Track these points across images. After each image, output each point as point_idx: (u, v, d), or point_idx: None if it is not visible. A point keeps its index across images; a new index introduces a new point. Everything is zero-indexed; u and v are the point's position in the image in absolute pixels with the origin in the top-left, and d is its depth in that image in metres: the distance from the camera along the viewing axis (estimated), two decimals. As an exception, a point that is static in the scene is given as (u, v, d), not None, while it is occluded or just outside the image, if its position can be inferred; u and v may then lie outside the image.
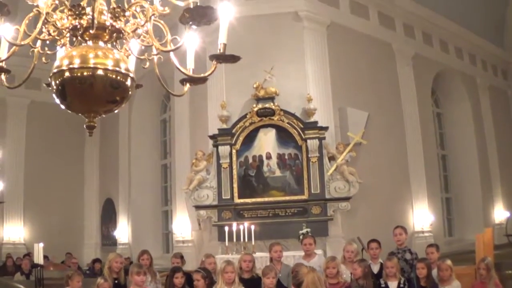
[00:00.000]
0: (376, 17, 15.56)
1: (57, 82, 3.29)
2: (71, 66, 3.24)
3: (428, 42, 17.37)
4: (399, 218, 13.89)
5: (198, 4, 3.13)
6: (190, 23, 3.13)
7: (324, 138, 12.63)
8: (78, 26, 3.46)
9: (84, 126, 3.50)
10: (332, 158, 12.69)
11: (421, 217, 15.12)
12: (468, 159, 18.28)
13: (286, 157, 12.82)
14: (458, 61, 18.63)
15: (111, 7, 3.51)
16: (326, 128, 12.66)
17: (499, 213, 18.92)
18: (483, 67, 20.11)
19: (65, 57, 3.32)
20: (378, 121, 14.10)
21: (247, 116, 12.78)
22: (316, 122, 12.60)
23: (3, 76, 3.68)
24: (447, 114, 19.01)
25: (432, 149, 17.00)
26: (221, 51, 3.42)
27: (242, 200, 12.76)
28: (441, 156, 18.52)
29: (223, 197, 12.72)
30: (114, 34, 3.52)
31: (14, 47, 3.41)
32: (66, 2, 3.53)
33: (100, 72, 3.23)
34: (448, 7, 16.76)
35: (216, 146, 12.85)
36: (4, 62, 3.57)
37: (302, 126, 12.61)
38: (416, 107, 16.00)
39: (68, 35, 3.56)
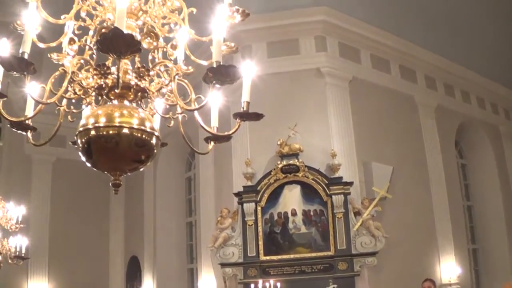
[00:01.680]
0: (397, 70, 15.62)
1: (83, 140, 3.33)
2: (96, 124, 3.28)
3: (450, 93, 17.36)
4: (426, 271, 13.70)
5: (221, 63, 3.16)
6: (214, 82, 3.16)
7: (349, 193, 12.57)
8: (104, 85, 3.51)
9: (110, 184, 3.52)
10: (357, 213, 12.60)
11: (448, 269, 14.85)
12: (494, 209, 18.02)
13: (312, 213, 12.75)
14: (480, 110, 18.55)
15: (135, 66, 3.56)
16: (351, 183, 12.62)
17: (526, 262, 18.58)
18: (506, 115, 19.97)
19: (91, 115, 3.36)
20: (402, 174, 14.04)
21: (272, 173, 12.78)
22: (340, 178, 12.57)
23: (29, 134, 3.73)
24: (471, 165, 18.84)
25: (458, 201, 16.80)
26: (245, 109, 3.45)
27: (267, 257, 12.66)
28: (467, 207, 18.29)
29: (249, 255, 12.63)
30: (139, 93, 3.57)
31: (40, 105, 3.46)
32: (91, 62, 3.59)
33: (125, 130, 3.27)
34: (469, 57, 16.80)
35: (241, 203, 12.82)
36: (30, 120, 3.62)
37: (327, 182, 12.57)
38: (440, 159, 15.91)
39: (93, 94, 3.62)
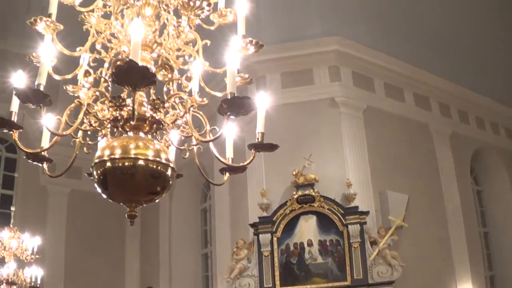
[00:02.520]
0: (411, 98, 15.59)
1: (99, 172, 3.36)
2: (112, 156, 3.30)
3: (464, 120, 17.28)
4: (443, 300, 13.63)
5: (236, 94, 3.18)
6: (228, 113, 3.18)
7: (365, 223, 12.50)
8: (119, 117, 3.54)
9: (126, 215, 3.53)
10: (374, 243, 12.53)
11: (465, 297, 14.74)
12: (511, 234, 17.85)
13: (328, 243, 12.69)
14: (495, 136, 18.40)
15: (151, 98, 3.59)
16: (366, 213, 12.56)
17: (544, 287, 18.30)
18: (520, 140, 19.87)
19: (106, 147, 3.39)
20: (418, 202, 13.95)
21: (287, 203, 12.74)
22: (356, 207, 12.51)
23: (45, 165, 3.75)
24: (487, 191, 18.66)
25: (474, 228, 16.64)
26: (259, 140, 3.47)
27: (284, 288, 12.61)
28: (483, 233, 18.11)
29: (265, 286, 12.54)
30: (154, 125, 3.59)
31: (56, 137, 3.49)
32: (107, 94, 3.62)
33: (141, 162, 3.29)
34: (482, 83, 16.77)
35: (257, 234, 12.78)
36: (46, 151, 3.64)
37: (342, 211, 12.52)
38: (456, 186, 15.80)
39: (109, 126, 3.64)
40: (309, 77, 14.03)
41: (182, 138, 3.84)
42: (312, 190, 12.66)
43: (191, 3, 3.35)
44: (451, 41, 15.48)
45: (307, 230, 12.78)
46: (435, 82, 15.94)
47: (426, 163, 15.24)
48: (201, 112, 3.67)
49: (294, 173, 12.78)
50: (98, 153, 3.41)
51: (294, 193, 12.72)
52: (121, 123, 3.56)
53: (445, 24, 15.05)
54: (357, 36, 14.05)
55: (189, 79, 3.90)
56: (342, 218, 12.49)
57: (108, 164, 3.31)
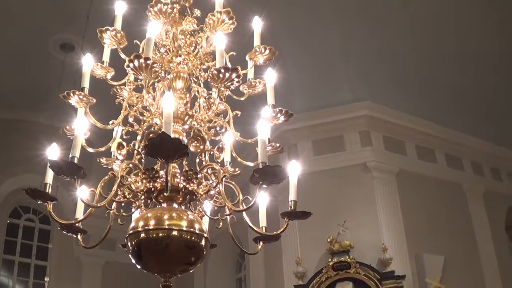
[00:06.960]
0: (443, 159, 15.45)
1: (133, 243, 3.40)
2: (146, 227, 3.34)
3: (497, 177, 17.04)
4: None
5: (267, 164, 3.21)
6: (260, 182, 3.20)
7: (401, 287, 12.28)
8: (153, 189, 3.59)
9: (160, 286, 3.54)
10: (411, 307, 12.35)
11: None
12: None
13: (365, 309, 12.52)
14: (528, 192, 18.18)
15: (183, 170, 3.63)
16: (403, 277, 12.35)
17: None
18: (554, 194, 19.55)
19: (140, 218, 3.44)
20: (454, 263, 13.69)
21: (323, 271, 12.58)
22: (393, 272, 12.32)
23: (79, 237, 3.80)
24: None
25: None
26: (292, 208, 3.47)
27: None
28: (522, 291, 17.73)
29: None
30: (188, 196, 3.63)
31: (90, 208, 3.54)
32: (140, 166, 3.68)
33: (175, 233, 3.32)
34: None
35: (293, 302, 12.66)
36: (80, 223, 3.70)
37: (379, 277, 12.32)
38: (492, 244, 15.48)
39: (142, 197, 3.69)
40: (340, 143, 14.03)
41: (215, 208, 3.87)
42: (347, 257, 12.52)
43: (221, 75, 3.40)
44: (477, 98, 15.37)
45: (344, 297, 12.63)
46: (466, 141, 15.81)
47: (460, 223, 15.03)
48: (233, 182, 3.71)
49: (328, 240, 12.68)
50: (132, 224, 3.45)
51: (330, 260, 12.58)
52: (154, 195, 3.61)
53: (468, 81, 14.97)
54: (386, 100, 14.06)
55: (221, 150, 3.96)
56: (378, 284, 12.30)
57: (142, 235, 3.34)
